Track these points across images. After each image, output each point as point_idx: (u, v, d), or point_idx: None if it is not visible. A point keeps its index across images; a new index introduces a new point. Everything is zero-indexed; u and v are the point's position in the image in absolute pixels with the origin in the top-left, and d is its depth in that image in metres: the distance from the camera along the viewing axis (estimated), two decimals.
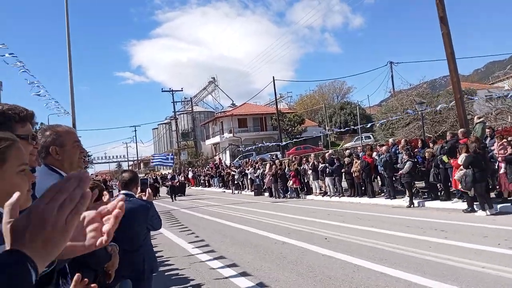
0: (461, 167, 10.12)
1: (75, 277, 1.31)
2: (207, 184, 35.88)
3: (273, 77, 40.13)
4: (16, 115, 1.83)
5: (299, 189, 19.35)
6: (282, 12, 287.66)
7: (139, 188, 3.74)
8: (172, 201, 24.92)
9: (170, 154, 36.95)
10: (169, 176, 30.33)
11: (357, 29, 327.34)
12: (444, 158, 11.45)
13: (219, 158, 43.65)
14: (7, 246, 0.82)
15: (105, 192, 4.18)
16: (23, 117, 1.85)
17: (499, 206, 10.12)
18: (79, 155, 2.33)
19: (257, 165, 25.18)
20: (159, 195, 29.77)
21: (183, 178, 33.17)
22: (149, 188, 3.84)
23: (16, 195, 0.90)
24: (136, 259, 3.48)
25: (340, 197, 16.37)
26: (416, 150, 13.46)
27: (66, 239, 0.83)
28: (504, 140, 10.34)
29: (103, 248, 2.46)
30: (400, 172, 12.88)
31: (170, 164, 34.30)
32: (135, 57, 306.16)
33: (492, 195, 10.93)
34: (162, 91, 53.63)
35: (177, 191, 27.59)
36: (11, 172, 1.35)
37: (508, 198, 10.38)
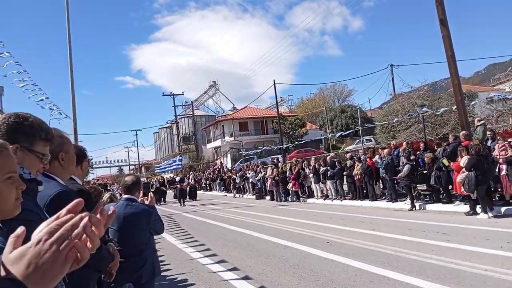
0: (463, 169, 10.11)
1: None
2: (208, 188, 35.87)
3: (274, 80, 40.02)
4: (42, 133, 1.84)
5: (299, 193, 19.35)
6: (282, 15, 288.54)
7: (141, 193, 3.75)
8: (180, 205, 23.27)
9: (179, 156, 33.84)
10: (177, 178, 27.45)
11: (357, 32, 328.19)
12: (444, 161, 11.43)
13: (221, 162, 43.66)
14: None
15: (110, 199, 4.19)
16: (47, 138, 1.86)
17: (502, 209, 10.10)
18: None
19: (258, 168, 25.19)
20: (165, 200, 28.37)
21: (193, 181, 29.84)
22: (151, 193, 3.84)
23: (20, 229, 0.90)
24: (139, 263, 3.48)
25: (341, 200, 16.35)
26: (418, 152, 13.44)
27: (64, 272, 0.83)
28: (506, 142, 10.33)
29: (106, 249, 2.48)
30: (399, 175, 12.88)
31: (179, 166, 31.44)
32: (135, 61, 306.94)
33: (495, 197, 10.94)
34: (163, 95, 53.78)
35: (185, 195, 25.33)
36: (2, 178, 1.35)
37: (511, 201, 10.36)
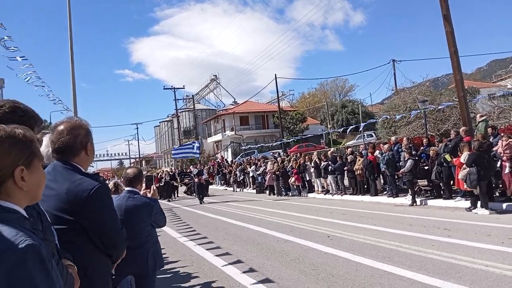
0: (464, 165, 10.09)
1: None
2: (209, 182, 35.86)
3: (275, 74, 40.10)
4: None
5: (301, 187, 19.36)
6: (282, 9, 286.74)
7: (143, 185, 3.73)
8: (201, 203, 19.65)
9: (196, 142, 25.53)
10: (194, 171, 22.91)
11: (358, 27, 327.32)
12: (447, 156, 11.41)
13: (221, 156, 43.65)
14: None
15: None
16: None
17: (504, 205, 10.09)
18: None
19: (259, 163, 25.18)
20: (177, 195, 26.05)
21: (206, 174, 25.21)
22: (153, 185, 3.82)
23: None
24: (140, 256, 3.47)
25: (342, 195, 16.37)
26: (422, 148, 13.42)
27: None
28: (510, 139, 10.29)
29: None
30: (402, 170, 12.87)
31: (197, 155, 24.58)
32: (134, 55, 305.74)
33: (496, 194, 10.93)
34: (164, 89, 53.60)
35: (204, 190, 21.65)
36: (39, 165, 1.45)
37: None
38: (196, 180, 21.30)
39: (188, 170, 26.22)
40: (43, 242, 1.27)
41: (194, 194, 22.87)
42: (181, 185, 26.57)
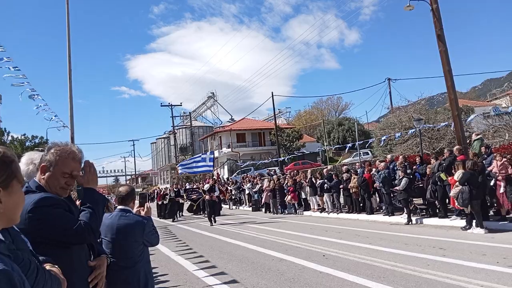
0: (457, 183, 10.10)
1: None
2: None
3: (272, 92, 40.43)
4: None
5: (296, 205, 19.28)
6: (278, 28, 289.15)
7: (136, 203, 3.71)
8: (211, 224, 16.90)
9: (209, 153, 22.42)
10: (205, 186, 19.07)
11: (353, 45, 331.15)
12: (442, 175, 11.44)
13: (217, 173, 43.53)
14: None
15: None
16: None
17: (499, 224, 10.08)
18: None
19: (255, 180, 25.11)
20: (181, 214, 23.68)
21: (218, 191, 20.68)
22: (147, 203, 3.80)
23: None
24: (132, 275, 3.43)
25: (338, 213, 16.31)
26: (414, 167, 13.46)
27: None
28: (505, 159, 10.33)
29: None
30: (395, 188, 12.87)
31: (209, 169, 21.30)
32: (131, 72, 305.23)
33: (491, 212, 10.92)
34: (161, 106, 53.56)
35: (216, 209, 18.61)
36: (19, 187, 1.44)
37: (507, 216, 10.35)
38: (207, 197, 17.93)
39: (194, 186, 24.69)
40: (16, 266, 1.26)
41: (201, 213, 21.33)
42: (187, 202, 24.10)
